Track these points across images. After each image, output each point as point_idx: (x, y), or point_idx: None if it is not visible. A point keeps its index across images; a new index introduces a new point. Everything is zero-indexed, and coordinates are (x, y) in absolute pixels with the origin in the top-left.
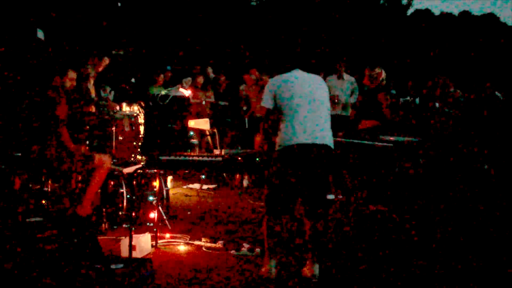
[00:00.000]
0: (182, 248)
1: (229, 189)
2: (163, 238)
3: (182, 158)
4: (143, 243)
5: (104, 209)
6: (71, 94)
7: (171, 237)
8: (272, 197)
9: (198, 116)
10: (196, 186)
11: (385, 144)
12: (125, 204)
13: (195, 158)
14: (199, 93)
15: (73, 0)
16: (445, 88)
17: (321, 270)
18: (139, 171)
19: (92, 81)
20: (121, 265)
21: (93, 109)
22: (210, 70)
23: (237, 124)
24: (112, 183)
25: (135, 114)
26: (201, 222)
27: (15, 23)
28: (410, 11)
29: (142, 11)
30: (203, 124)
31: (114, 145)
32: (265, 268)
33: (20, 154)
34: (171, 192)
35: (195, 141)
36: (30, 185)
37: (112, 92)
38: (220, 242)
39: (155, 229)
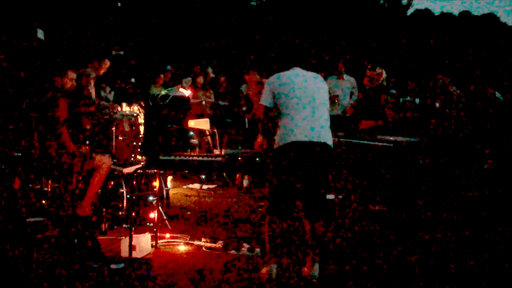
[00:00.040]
0: (182, 248)
1: (229, 189)
2: (163, 238)
3: (182, 158)
4: (143, 243)
5: (104, 209)
6: (71, 94)
7: (171, 237)
8: (273, 197)
9: (198, 116)
10: (196, 186)
11: (385, 144)
12: (125, 204)
13: (195, 158)
14: (199, 93)
15: (73, 0)
16: (445, 88)
17: (321, 270)
18: (139, 171)
19: (92, 83)
20: (121, 265)
21: (93, 109)
22: (210, 70)
23: (237, 124)
24: (112, 183)
25: (135, 114)
26: (201, 222)
27: (15, 23)
28: (410, 11)
29: (142, 11)
30: (203, 124)
31: (114, 145)
32: (265, 268)
33: (20, 154)
34: (171, 192)
35: (195, 141)
36: (30, 185)
37: (112, 93)
38: (220, 242)
39: (155, 229)
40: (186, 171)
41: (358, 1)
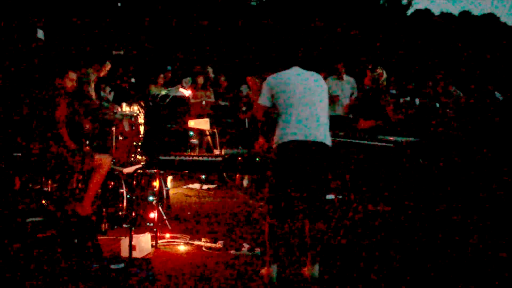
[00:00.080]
0: (182, 248)
1: (229, 189)
2: (163, 238)
3: (182, 158)
4: (143, 243)
5: (104, 209)
6: (71, 95)
7: (171, 237)
8: (272, 197)
9: (198, 116)
10: (196, 186)
11: (385, 144)
12: (125, 204)
13: (195, 158)
14: (199, 93)
15: (73, 0)
16: (445, 88)
17: (321, 270)
18: (139, 171)
19: (93, 84)
20: (121, 265)
21: (93, 109)
22: (210, 70)
23: (237, 124)
24: (112, 183)
25: (135, 114)
26: (201, 222)
27: (15, 23)
28: (410, 11)
29: (142, 11)
30: (203, 124)
31: (114, 145)
32: (265, 268)
33: (20, 154)
34: (171, 192)
35: (195, 141)
36: (30, 185)
37: (112, 93)
38: (220, 242)
39: (155, 229)
40: (186, 171)
41: (358, 1)
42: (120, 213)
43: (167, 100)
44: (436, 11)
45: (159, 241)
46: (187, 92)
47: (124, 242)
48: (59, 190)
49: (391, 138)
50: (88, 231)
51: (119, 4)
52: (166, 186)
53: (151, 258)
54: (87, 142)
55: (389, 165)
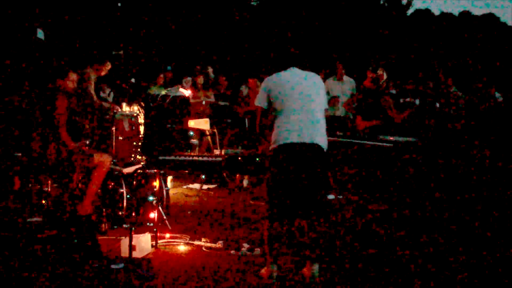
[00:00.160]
0: (182, 248)
1: (229, 189)
2: (163, 238)
3: (182, 158)
4: (143, 243)
5: (104, 209)
6: (71, 95)
7: (171, 237)
8: (271, 200)
9: (198, 116)
10: (196, 186)
11: (385, 144)
12: (125, 204)
13: (195, 158)
14: (199, 93)
15: (73, 1)
16: (445, 88)
17: (321, 270)
18: (139, 171)
19: (93, 84)
20: (121, 265)
21: (93, 110)
22: (210, 70)
23: (237, 124)
24: (112, 183)
25: (135, 114)
26: (201, 222)
27: (15, 23)
28: (410, 11)
29: (142, 11)
30: (203, 124)
31: (114, 145)
32: (265, 268)
33: (20, 154)
34: (171, 192)
35: (195, 141)
36: (30, 185)
37: (112, 93)
38: (220, 242)
39: (155, 229)
40: (186, 171)
41: (358, 1)
42: (120, 213)
43: (167, 100)
44: (436, 11)
45: (159, 241)
46: (187, 92)
47: (124, 242)
48: (59, 190)
49: (391, 138)
50: (88, 231)
51: (119, 4)
52: (166, 186)
53: (151, 258)
54: (87, 142)
55: (389, 165)
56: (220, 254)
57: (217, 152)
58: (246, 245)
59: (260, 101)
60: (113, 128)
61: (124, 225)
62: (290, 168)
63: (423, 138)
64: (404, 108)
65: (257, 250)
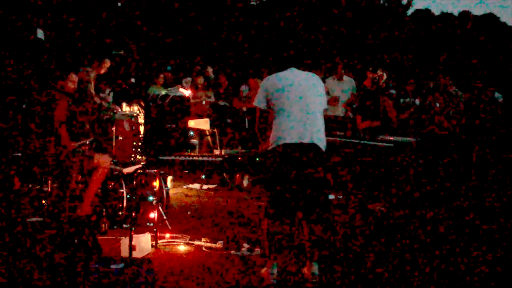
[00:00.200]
0: (182, 248)
1: (229, 189)
2: (163, 238)
3: (182, 158)
4: (143, 243)
5: (104, 209)
6: (72, 95)
7: (171, 237)
8: (269, 200)
9: (198, 116)
10: (196, 186)
11: (385, 144)
12: (125, 204)
13: (195, 158)
14: (199, 93)
15: (73, 0)
16: (446, 88)
17: (321, 270)
18: (139, 171)
19: (93, 83)
20: (121, 265)
21: (93, 109)
22: (210, 70)
23: (237, 124)
24: (112, 183)
25: (135, 114)
26: (201, 222)
27: (15, 23)
28: (410, 11)
29: (142, 11)
30: (203, 124)
31: (114, 145)
32: (265, 268)
33: (20, 154)
34: (171, 192)
35: (195, 141)
36: (30, 185)
37: (111, 93)
38: (220, 242)
39: (155, 229)
40: (186, 171)
41: (358, 1)
42: (120, 213)
43: (167, 100)
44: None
45: (159, 241)
46: (187, 92)
47: (124, 242)
48: (59, 190)
49: (391, 138)
50: (88, 231)
51: (119, 4)
52: (166, 186)
53: (151, 258)
54: (87, 142)
55: (389, 165)
56: (220, 254)
57: (217, 152)
58: (246, 245)
59: (258, 102)
60: (113, 128)
61: (124, 225)
62: (289, 168)
63: (423, 138)
64: (404, 108)
65: (257, 250)
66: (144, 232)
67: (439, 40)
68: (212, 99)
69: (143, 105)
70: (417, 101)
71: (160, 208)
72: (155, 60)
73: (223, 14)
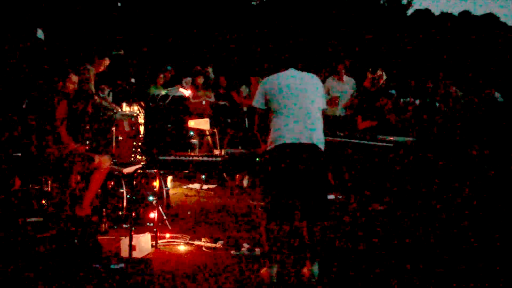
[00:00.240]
0: (182, 248)
1: (229, 189)
2: (163, 238)
3: (182, 158)
4: (143, 243)
5: (104, 209)
6: (72, 95)
7: (171, 237)
8: (268, 200)
9: (198, 116)
10: (196, 186)
11: (385, 144)
12: (125, 204)
13: (195, 158)
14: (199, 93)
15: (73, 0)
16: (445, 88)
17: (321, 270)
18: (139, 171)
19: (93, 81)
20: (121, 265)
21: (93, 109)
22: (210, 70)
23: (237, 124)
24: (112, 183)
25: (135, 114)
26: (201, 222)
27: (15, 23)
28: (410, 11)
29: (142, 11)
30: (203, 124)
31: (114, 145)
32: (265, 268)
33: (20, 154)
34: (171, 192)
35: (195, 141)
36: (30, 185)
37: (111, 94)
38: (220, 242)
39: (155, 229)
40: (186, 171)
41: (358, 1)
42: (120, 213)
43: (167, 100)
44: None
45: (159, 241)
46: (187, 92)
47: (124, 242)
48: (59, 190)
49: (391, 138)
50: (88, 231)
51: (119, 4)
52: (166, 186)
53: (151, 258)
54: (87, 142)
55: (389, 165)
56: (220, 254)
57: (217, 152)
58: (246, 245)
59: (257, 102)
60: (113, 128)
61: (124, 225)
62: (288, 168)
63: (423, 138)
64: (404, 108)
65: (257, 250)
66: (144, 232)
67: (439, 40)
68: (212, 99)
69: (143, 105)
70: (417, 101)
71: (160, 208)
72: (155, 60)
73: (224, 14)
